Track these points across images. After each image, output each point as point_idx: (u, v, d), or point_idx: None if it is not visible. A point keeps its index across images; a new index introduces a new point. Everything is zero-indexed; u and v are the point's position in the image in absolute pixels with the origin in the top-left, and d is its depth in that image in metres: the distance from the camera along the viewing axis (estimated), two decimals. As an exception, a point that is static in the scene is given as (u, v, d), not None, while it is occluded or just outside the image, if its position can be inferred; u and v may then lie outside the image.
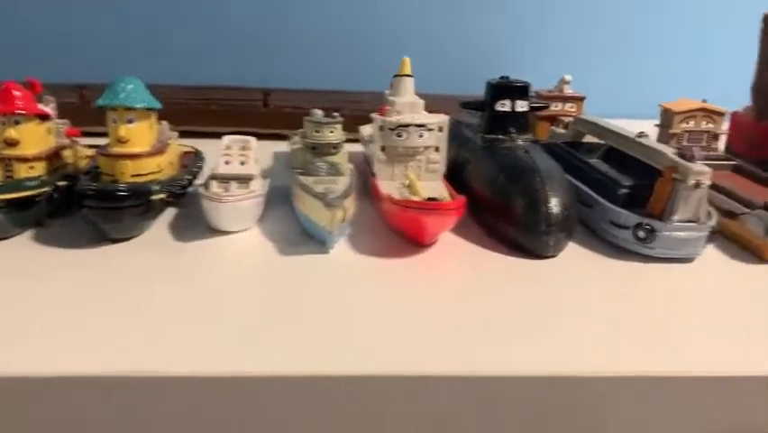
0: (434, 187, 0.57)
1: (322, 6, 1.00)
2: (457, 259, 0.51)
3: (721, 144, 0.71)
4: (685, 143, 0.69)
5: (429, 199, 0.49)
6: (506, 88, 0.59)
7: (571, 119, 0.70)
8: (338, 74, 0.90)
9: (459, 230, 0.55)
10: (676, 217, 0.49)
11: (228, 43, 0.99)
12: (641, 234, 0.50)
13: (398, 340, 0.39)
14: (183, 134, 0.65)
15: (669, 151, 0.51)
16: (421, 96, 0.62)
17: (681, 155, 0.50)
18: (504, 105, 0.59)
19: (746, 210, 0.53)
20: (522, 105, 0.59)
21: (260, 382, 0.35)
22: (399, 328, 0.40)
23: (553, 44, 1.05)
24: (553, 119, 0.73)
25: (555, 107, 0.73)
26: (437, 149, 0.59)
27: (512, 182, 0.53)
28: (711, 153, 0.69)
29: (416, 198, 0.51)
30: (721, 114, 0.69)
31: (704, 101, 0.70)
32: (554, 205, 0.50)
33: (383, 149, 0.58)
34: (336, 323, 0.40)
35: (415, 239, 0.52)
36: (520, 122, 0.59)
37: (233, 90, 0.88)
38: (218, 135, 0.60)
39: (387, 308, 0.43)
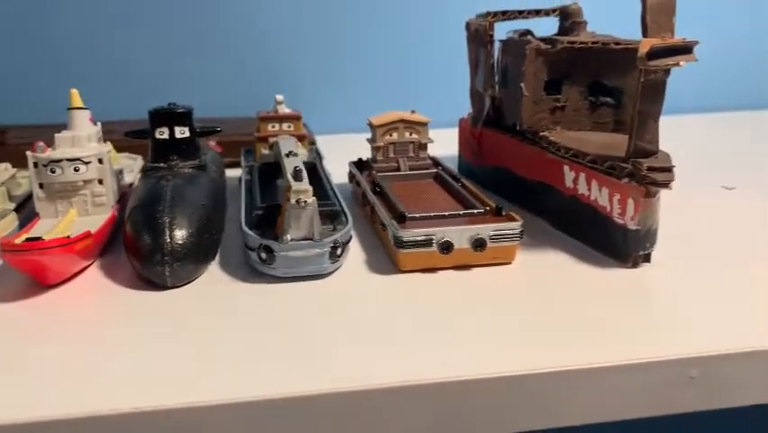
0: (98, 221, 0.56)
1: (63, 37, 0.97)
2: (81, 298, 0.49)
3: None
4: (391, 155, 0.70)
5: (30, 240, 0.47)
6: (162, 115, 0.58)
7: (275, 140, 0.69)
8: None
9: (110, 267, 0.54)
10: (289, 237, 0.49)
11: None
12: (263, 255, 0.49)
13: None
14: None
15: (289, 170, 0.51)
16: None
17: (294, 174, 0.50)
18: (163, 133, 0.58)
19: (391, 221, 0.54)
20: (182, 132, 0.59)
21: None
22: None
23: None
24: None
25: (273, 128, 0.73)
26: (101, 181, 0.57)
27: (137, 212, 0.52)
28: (417, 163, 0.70)
29: (17, 241, 0.48)
30: (424, 123, 0.70)
31: (412, 112, 0.71)
32: (173, 234, 0.49)
33: (41, 186, 0.57)
34: None
35: (35, 280, 0.50)
36: (182, 148, 0.59)
37: (-34, 130, 0.85)
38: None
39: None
